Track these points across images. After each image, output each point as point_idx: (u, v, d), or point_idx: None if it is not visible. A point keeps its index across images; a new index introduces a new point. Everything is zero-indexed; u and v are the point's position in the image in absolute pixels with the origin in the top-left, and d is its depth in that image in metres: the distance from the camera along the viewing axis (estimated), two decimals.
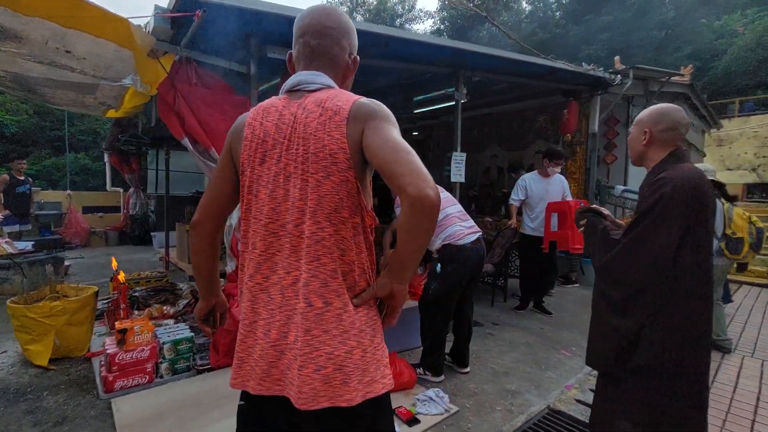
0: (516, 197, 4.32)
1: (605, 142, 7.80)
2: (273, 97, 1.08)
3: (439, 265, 2.68)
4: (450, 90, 4.56)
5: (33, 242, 5.37)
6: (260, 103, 1.07)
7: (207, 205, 1.13)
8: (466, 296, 2.84)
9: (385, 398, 1.02)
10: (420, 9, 26.82)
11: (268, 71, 3.35)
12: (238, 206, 1.10)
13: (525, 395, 2.66)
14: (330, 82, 1.05)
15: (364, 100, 0.99)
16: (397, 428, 2.21)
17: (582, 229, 1.89)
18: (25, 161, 6.19)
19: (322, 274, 0.95)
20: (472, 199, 8.47)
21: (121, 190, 10.35)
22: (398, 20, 27.91)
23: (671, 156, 1.63)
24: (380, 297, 1.04)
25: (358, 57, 1.15)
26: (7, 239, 4.84)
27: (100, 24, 2.12)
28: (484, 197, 8.34)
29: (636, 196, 6.15)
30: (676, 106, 1.69)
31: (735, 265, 3.52)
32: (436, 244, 2.74)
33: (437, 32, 27.90)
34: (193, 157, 2.90)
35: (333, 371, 0.92)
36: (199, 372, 2.77)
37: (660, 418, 1.49)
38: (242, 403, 1.07)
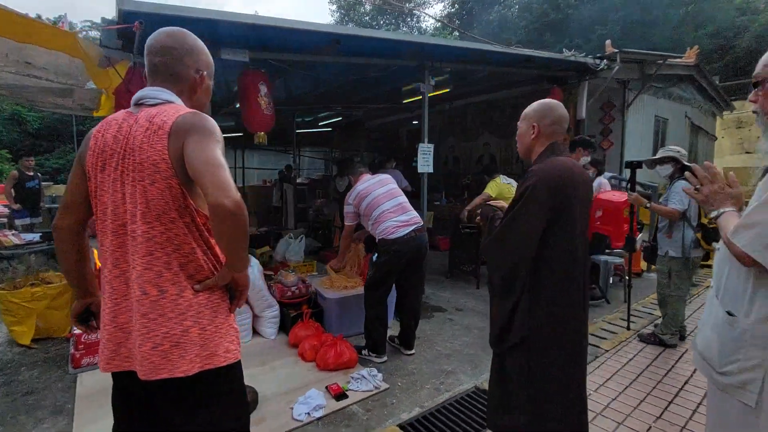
0: None
1: (601, 128, 7.67)
2: (120, 110, 1.23)
3: (375, 255, 2.87)
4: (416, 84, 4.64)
5: (41, 234, 5.80)
6: (107, 116, 1.22)
7: (64, 207, 1.23)
8: (405, 285, 3.01)
9: (229, 369, 1.20)
10: None
11: (223, 71, 3.54)
12: None
13: (459, 375, 2.82)
14: (171, 97, 1.20)
15: (187, 115, 1.12)
16: (324, 402, 2.44)
17: (477, 218, 2.02)
18: (33, 158, 6.58)
19: (156, 266, 1.11)
20: (465, 188, 8.51)
21: None
22: (408, 5, 27.48)
23: (547, 149, 1.73)
24: (223, 284, 1.21)
25: (205, 73, 1.29)
26: (14, 231, 5.26)
27: (49, 39, 2.34)
28: (477, 186, 8.36)
29: (621, 183, 6.07)
30: (557, 101, 1.78)
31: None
32: (377, 238, 2.92)
33: (447, 16, 27.37)
34: None
35: (170, 347, 1.10)
36: None
37: (543, 393, 1.59)
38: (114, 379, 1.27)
